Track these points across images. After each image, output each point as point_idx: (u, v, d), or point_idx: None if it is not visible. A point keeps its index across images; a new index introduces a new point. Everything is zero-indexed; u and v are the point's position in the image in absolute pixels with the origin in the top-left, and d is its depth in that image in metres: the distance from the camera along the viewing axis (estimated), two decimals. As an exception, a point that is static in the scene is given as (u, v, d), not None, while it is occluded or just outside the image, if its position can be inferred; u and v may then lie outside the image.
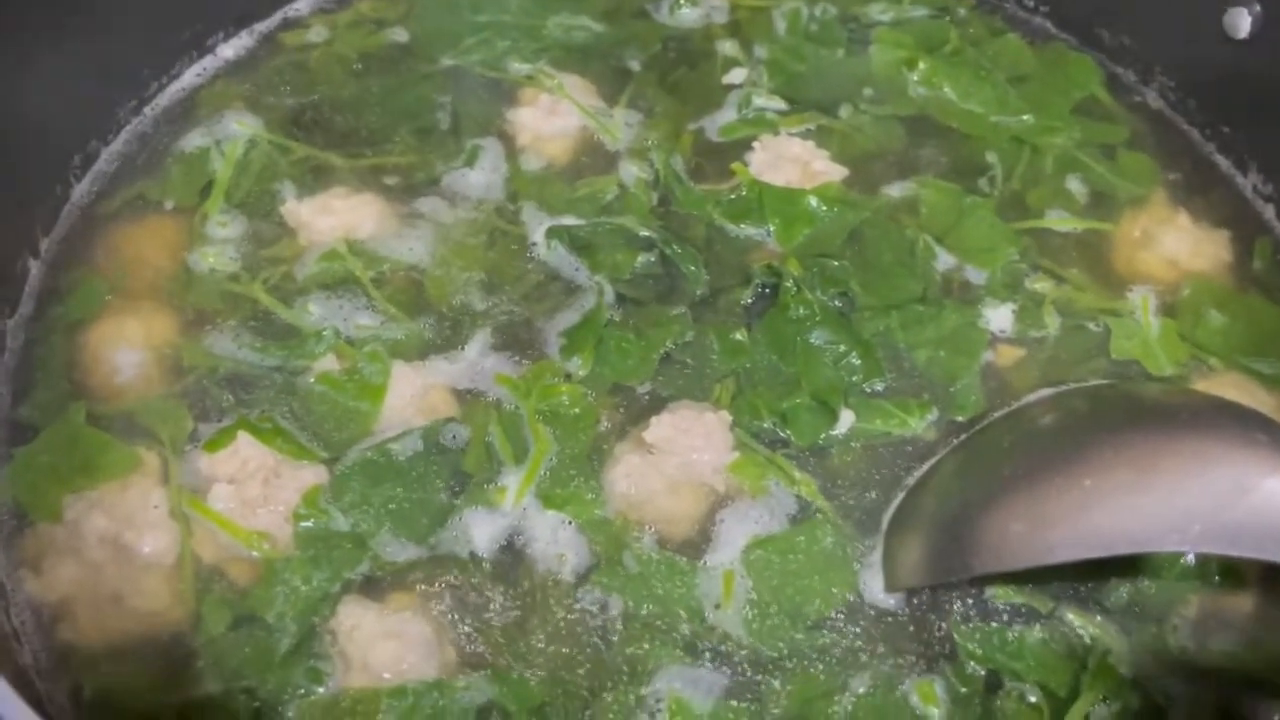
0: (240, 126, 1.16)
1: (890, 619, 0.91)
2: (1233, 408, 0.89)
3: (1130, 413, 0.93)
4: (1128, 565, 0.93)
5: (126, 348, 1.01)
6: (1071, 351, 1.06)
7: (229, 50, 1.24)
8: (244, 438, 0.95)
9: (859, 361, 1.03)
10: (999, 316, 1.07)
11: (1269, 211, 1.16)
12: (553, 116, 1.19)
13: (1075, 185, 1.17)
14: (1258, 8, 1.10)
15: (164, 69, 1.19)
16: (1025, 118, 1.22)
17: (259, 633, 0.87)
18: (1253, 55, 1.12)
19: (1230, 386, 1.04)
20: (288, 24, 1.27)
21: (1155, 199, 1.18)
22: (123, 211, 1.11)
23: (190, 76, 1.21)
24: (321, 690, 0.85)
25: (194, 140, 1.15)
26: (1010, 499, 0.88)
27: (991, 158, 1.18)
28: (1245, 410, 0.88)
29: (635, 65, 1.25)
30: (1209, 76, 1.19)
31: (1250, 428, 0.83)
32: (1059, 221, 1.14)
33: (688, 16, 1.30)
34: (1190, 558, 0.93)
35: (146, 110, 1.18)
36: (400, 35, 1.26)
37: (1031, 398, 1.02)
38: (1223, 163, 1.20)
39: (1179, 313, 1.09)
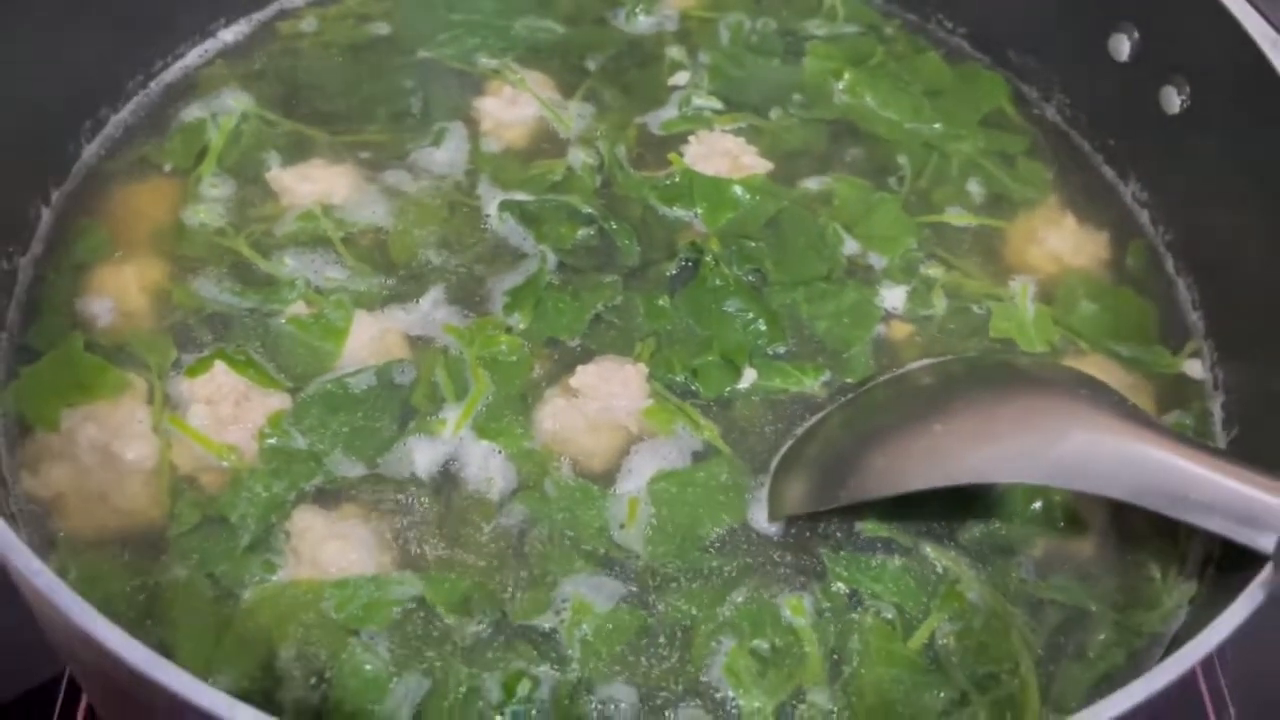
0: (235, 102, 1.30)
1: (770, 544, 1.04)
2: (1069, 373, 1.04)
3: (988, 375, 1.07)
4: (984, 509, 1.06)
5: (123, 287, 1.15)
6: (955, 329, 1.20)
7: (229, 35, 1.38)
8: (220, 366, 1.08)
9: (765, 328, 1.16)
10: (893, 296, 1.21)
11: (1144, 216, 1.30)
12: (514, 106, 1.33)
13: (975, 187, 1.32)
14: (1135, 34, 1.25)
15: (170, 49, 1.34)
16: (936, 126, 1.36)
17: (223, 530, 1.01)
18: (1133, 76, 1.26)
19: (1093, 365, 1.17)
20: (283, 14, 1.41)
21: (1047, 202, 1.32)
22: (126, 171, 1.25)
23: (193, 56, 1.36)
24: (274, 579, 0.99)
25: (193, 112, 1.29)
26: (878, 441, 1.02)
27: (902, 159, 1.32)
28: (1079, 375, 1.02)
29: (591, 65, 1.40)
30: (1098, 95, 1.34)
31: (1078, 388, 0.97)
32: (956, 217, 1.28)
33: (642, 23, 1.45)
34: (1038, 504, 1.07)
35: (152, 84, 1.32)
36: (382, 29, 1.40)
37: (913, 365, 1.15)
38: (1108, 172, 1.35)
39: (1055, 300, 1.23)
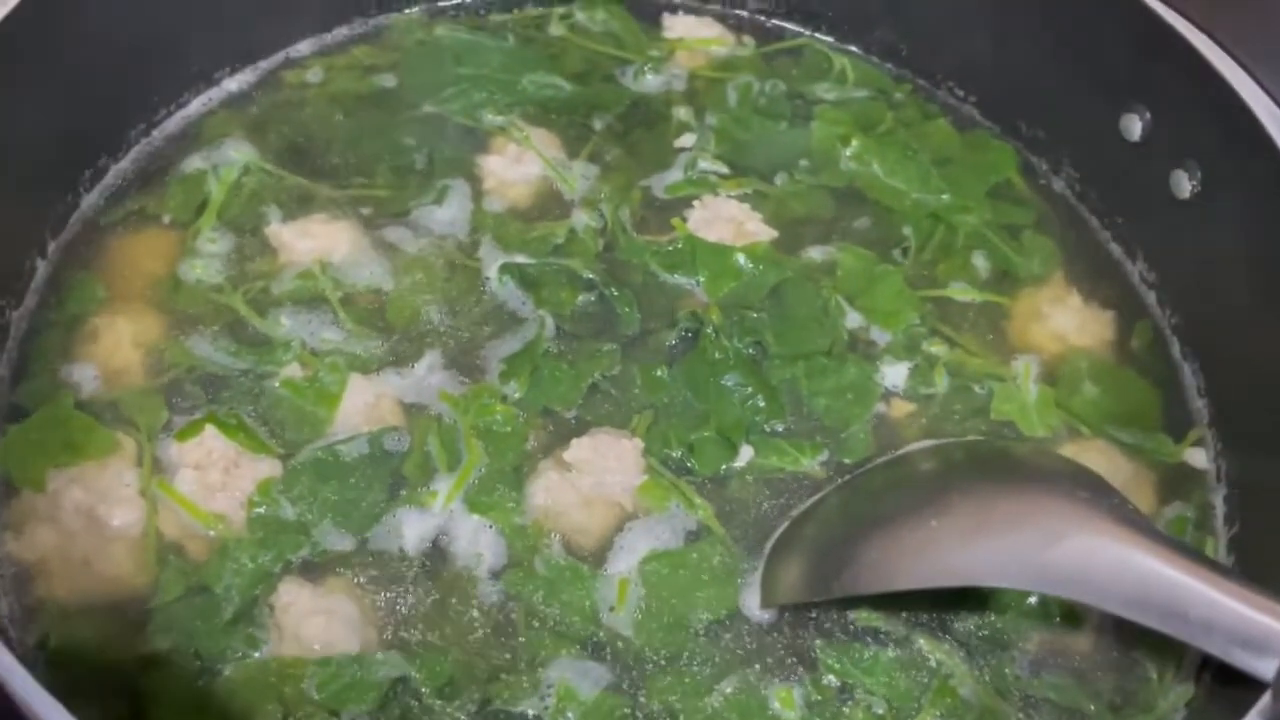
0: (237, 154, 1.29)
1: (762, 632, 1.02)
2: (1070, 468, 1.02)
3: (986, 466, 1.06)
4: (978, 601, 1.05)
5: (116, 344, 1.14)
6: (956, 409, 1.18)
7: (233, 84, 1.37)
8: (211, 430, 1.07)
9: (764, 404, 1.15)
10: (895, 373, 1.20)
11: (1151, 297, 1.29)
12: (518, 165, 1.32)
13: (980, 261, 1.30)
14: (1148, 115, 1.23)
15: (173, 97, 1.33)
16: (944, 197, 1.34)
17: (207, 601, 0.99)
18: (1144, 157, 1.25)
19: (1095, 452, 1.16)
20: (289, 63, 1.41)
21: (1053, 278, 1.30)
22: (124, 223, 1.24)
23: (196, 105, 1.35)
24: (257, 655, 0.97)
25: (194, 163, 1.28)
26: (872, 533, 1.00)
27: (908, 230, 1.31)
28: (1079, 471, 1.01)
29: (598, 124, 1.38)
30: (1108, 172, 1.32)
31: (1077, 487, 0.95)
32: (960, 292, 1.27)
33: (650, 83, 1.44)
34: (1034, 599, 1.05)
35: (155, 133, 1.31)
36: (389, 81, 1.39)
37: (912, 447, 1.14)
38: (1116, 250, 1.33)
39: (1058, 382, 1.21)
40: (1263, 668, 0.80)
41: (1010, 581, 0.92)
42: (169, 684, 0.95)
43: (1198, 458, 1.18)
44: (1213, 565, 0.86)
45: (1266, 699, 0.81)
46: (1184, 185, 1.19)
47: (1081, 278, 1.31)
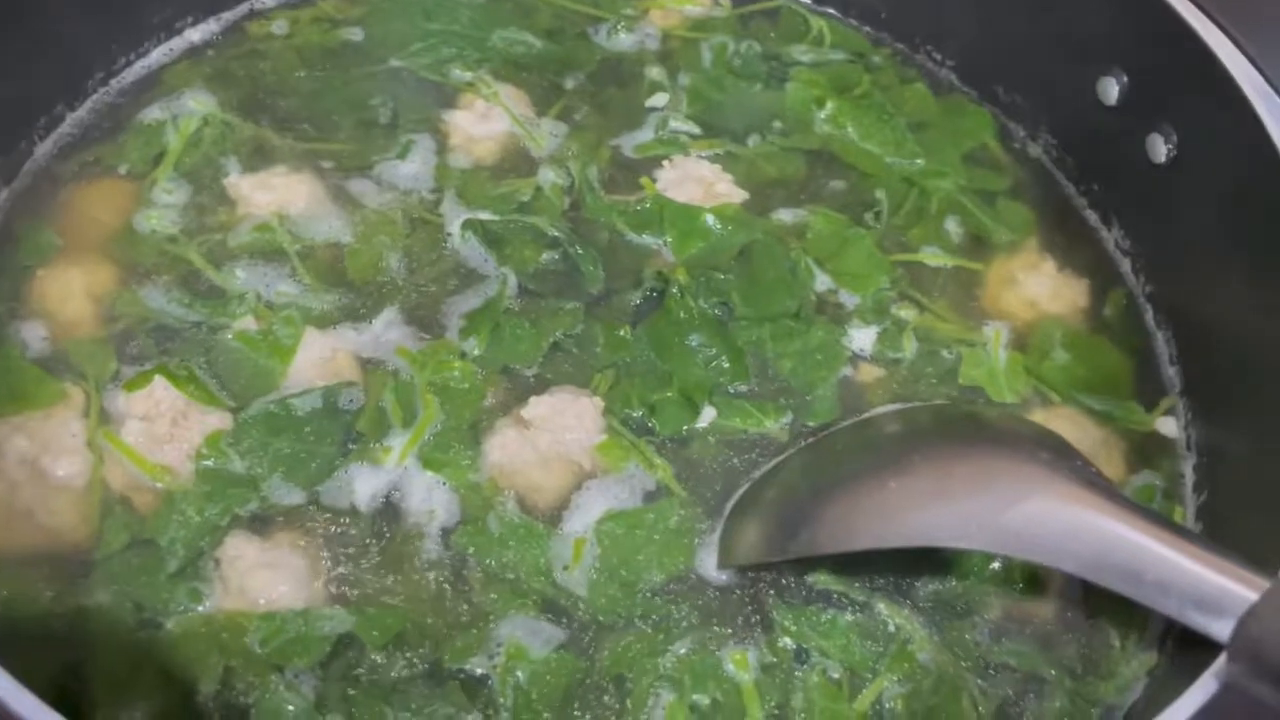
0: (196, 105, 1.26)
1: (718, 593, 1.00)
2: (1033, 431, 1.00)
3: (950, 429, 1.04)
4: (940, 566, 1.03)
5: (67, 293, 1.11)
6: (924, 374, 1.16)
7: (196, 34, 1.34)
8: (160, 381, 1.05)
9: (728, 365, 1.13)
10: (862, 337, 1.18)
11: (1125, 265, 1.27)
12: (485, 121, 1.29)
13: (953, 226, 1.28)
14: (1125, 78, 1.21)
15: (134, 46, 1.30)
16: (918, 161, 1.32)
17: (151, 554, 0.97)
18: (1121, 121, 1.22)
19: (1064, 419, 1.14)
20: (254, 14, 1.37)
21: (1027, 244, 1.28)
22: (80, 172, 1.21)
23: (157, 55, 1.32)
24: (200, 609, 0.95)
25: (153, 113, 1.25)
26: (832, 493, 0.98)
27: (881, 194, 1.29)
28: (1043, 434, 0.99)
29: (569, 82, 1.36)
30: (1085, 138, 1.30)
31: (1039, 449, 0.94)
32: (931, 257, 1.25)
33: (623, 41, 1.41)
34: (996, 564, 1.03)
35: (113, 83, 1.28)
36: (355, 34, 1.36)
37: (878, 410, 1.12)
38: (1091, 217, 1.31)
39: (1029, 348, 1.19)
40: (1218, 629, 0.78)
41: (969, 542, 0.90)
42: (109, 636, 0.93)
43: (1168, 426, 1.16)
44: (1171, 527, 0.84)
45: (1222, 661, 0.80)
46: (1160, 149, 1.17)
47: (1056, 244, 1.28)
